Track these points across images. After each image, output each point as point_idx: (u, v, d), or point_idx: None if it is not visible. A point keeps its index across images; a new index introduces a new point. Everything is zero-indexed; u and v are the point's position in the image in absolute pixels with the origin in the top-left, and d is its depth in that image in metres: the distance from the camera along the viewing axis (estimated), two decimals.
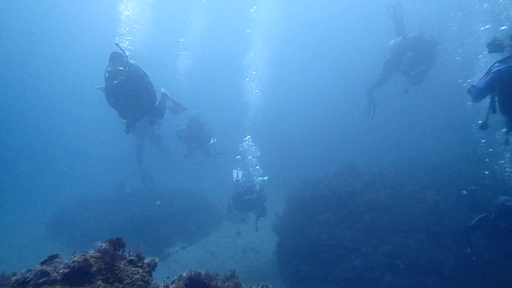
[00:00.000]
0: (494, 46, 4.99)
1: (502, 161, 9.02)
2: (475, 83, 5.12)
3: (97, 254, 2.11)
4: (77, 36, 29.04)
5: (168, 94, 8.10)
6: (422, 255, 6.96)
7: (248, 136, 11.78)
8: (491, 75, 4.68)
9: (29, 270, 1.98)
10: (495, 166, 9.32)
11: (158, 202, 12.21)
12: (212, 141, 11.48)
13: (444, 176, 9.81)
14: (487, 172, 8.31)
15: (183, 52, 18.56)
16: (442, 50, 8.30)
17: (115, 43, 6.66)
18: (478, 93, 4.96)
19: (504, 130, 5.13)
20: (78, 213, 13.10)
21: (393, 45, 9.13)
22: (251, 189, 8.46)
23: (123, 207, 13.01)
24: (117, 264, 2.10)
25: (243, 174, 9.64)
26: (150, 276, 2.27)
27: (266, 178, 9.96)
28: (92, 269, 2.03)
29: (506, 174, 8.44)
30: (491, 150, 9.26)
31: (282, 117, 22.24)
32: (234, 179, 9.55)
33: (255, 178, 9.44)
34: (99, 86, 7.05)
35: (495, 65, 4.74)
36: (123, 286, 2.08)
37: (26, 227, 13.47)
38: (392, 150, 12.65)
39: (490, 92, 4.78)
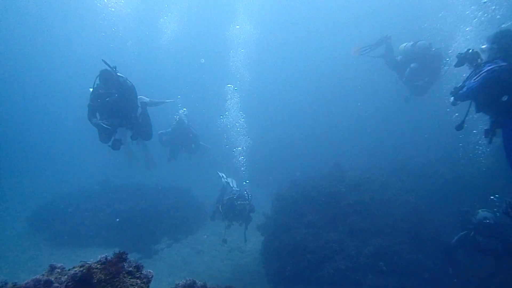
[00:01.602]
0: (462, 59, 5.17)
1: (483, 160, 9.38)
2: (459, 85, 5.12)
3: (99, 265, 2.15)
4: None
5: (147, 100, 8.06)
6: (403, 257, 7.20)
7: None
8: (483, 74, 4.65)
9: (32, 280, 2.01)
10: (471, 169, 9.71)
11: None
12: (200, 142, 11.53)
13: (425, 179, 10.17)
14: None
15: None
16: (446, 67, 8.24)
17: (103, 60, 6.58)
18: (468, 93, 4.89)
19: (485, 128, 5.13)
20: (61, 208, 12.90)
21: (403, 50, 8.99)
22: (243, 195, 8.43)
23: (108, 203, 12.89)
24: (118, 276, 2.15)
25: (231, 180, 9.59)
26: (148, 287, 2.32)
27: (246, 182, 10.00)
28: (94, 281, 2.07)
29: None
30: (470, 155, 9.59)
31: (273, 115, 22.36)
32: (223, 180, 9.54)
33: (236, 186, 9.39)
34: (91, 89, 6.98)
35: (486, 65, 4.73)
36: None
37: (6, 222, 13.17)
38: (377, 152, 12.93)
39: (481, 92, 4.72)
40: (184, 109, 11.86)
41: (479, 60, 5.01)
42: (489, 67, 4.63)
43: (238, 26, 17.55)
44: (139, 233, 11.30)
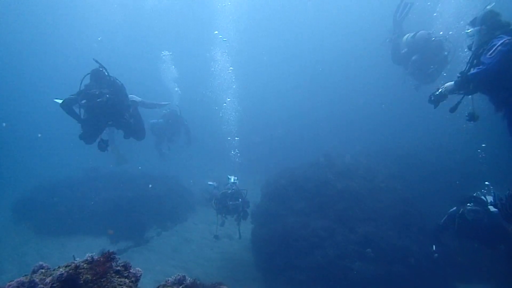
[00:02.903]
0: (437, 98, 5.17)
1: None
2: (465, 68, 4.91)
3: (86, 265, 2.07)
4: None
5: (138, 100, 7.96)
6: (390, 243, 7.34)
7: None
8: (498, 48, 4.41)
9: (16, 281, 1.93)
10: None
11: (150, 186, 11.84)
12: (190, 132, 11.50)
13: (412, 167, 10.32)
14: None
15: None
16: (449, 54, 7.91)
17: (94, 59, 6.51)
18: (488, 70, 4.51)
19: (469, 112, 5.11)
20: (47, 197, 12.64)
21: (405, 42, 8.72)
22: (236, 195, 8.30)
23: (95, 192, 12.69)
24: (105, 276, 2.08)
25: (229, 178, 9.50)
26: (136, 286, 2.26)
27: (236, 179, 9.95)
28: (80, 281, 2.00)
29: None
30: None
31: (263, 104, 22.23)
32: (211, 184, 9.47)
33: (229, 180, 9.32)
34: (58, 100, 6.79)
35: (493, 41, 4.54)
36: None
37: None
38: (366, 141, 13.02)
39: (502, 65, 4.43)
40: (177, 104, 11.79)
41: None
42: (500, 41, 4.46)
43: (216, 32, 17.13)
44: (127, 222, 11.20)
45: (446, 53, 7.84)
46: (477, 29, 4.90)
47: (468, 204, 6.13)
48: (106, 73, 6.60)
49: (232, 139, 11.92)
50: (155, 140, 11.63)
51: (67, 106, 6.49)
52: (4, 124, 22.56)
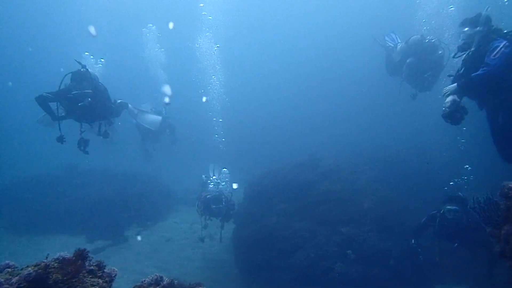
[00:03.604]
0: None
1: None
2: (460, 71, 4.93)
3: (56, 264, 1.95)
4: None
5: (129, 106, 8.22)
6: (371, 245, 7.39)
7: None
8: (502, 50, 4.48)
9: None
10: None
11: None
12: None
13: (394, 169, 10.44)
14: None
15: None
16: (444, 54, 7.76)
17: (76, 60, 6.29)
18: (493, 71, 4.54)
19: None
20: (20, 194, 12.15)
21: (399, 50, 8.63)
22: (220, 198, 8.10)
23: (73, 189, 12.32)
24: (77, 276, 1.96)
25: (215, 172, 9.35)
26: (111, 287, 2.15)
27: (235, 185, 9.81)
28: (49, 281, 1.88)
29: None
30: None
31: (248, 103, 22.12)
32: (203, 178, 9.32)
33: (222, 183, 9.18)
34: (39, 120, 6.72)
35: (495, 42, 4.60)
36: None
37: None
38: (349, 142, 13.11)
39: (506, 67, 4.52)
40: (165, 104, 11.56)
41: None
42: (502, 43, 4.54)
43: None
44: (105, 220, 10.91)
45: (440, 51, 7.76)
46: (479, 30, 4.86)
47: (449, 204, 6.21)
48: (89, 75, 6.33)
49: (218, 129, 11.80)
50: (141, 139, 11.41)
51: (42, 100, 6.28)
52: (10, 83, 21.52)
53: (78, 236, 10.42)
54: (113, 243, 10.08)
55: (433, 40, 7.86)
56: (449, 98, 4.96)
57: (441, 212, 6.35)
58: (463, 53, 5.21)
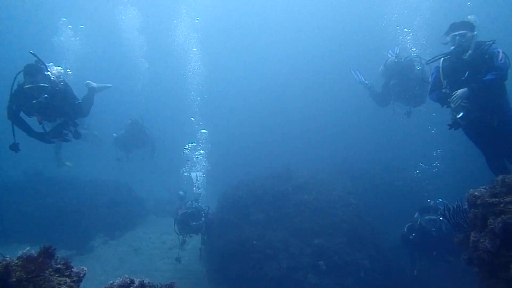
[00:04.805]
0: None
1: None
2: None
3: (20, 262, 1.82)
4: None
5: (94, 85, 7.38)
6: (342, 257, 7.45)
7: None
8: (503, 55, 4.71)
9: None
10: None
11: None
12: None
13: (365, 182, 10.70)
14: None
15: None
16: (423, 69, 7.73)
17: (31, 52, 5.68)
18: (503, 79, 4.75)
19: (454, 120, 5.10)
20: None
21: (381, 73, 8.63)
22: (198, 213, 7.92)
23: (36, 197, 11.65)
24: (42, 274, 1.84)
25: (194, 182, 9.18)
26: (78, 286, 2.03)
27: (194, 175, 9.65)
28: (11, 279, 1.75)
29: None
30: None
31: (223, 113, 22.07)
32: (181, 194, 9.12)
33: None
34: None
35: (491, 46, 4.81)
36: None
37: None
38: (323, 155, 13.31)
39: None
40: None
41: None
42: (498, 48, 4.76)
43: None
44: (70, 229, 10.39)
45: (418, 68, 7.82)
46: (475, 34, 4.94)
47: (425, 214, 6.35)
48: (44, 69, 5.71)
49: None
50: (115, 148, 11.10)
51: (14, 116, 5.70)
52: None
53: (39, 246, 9.82)
54: (78, 253, 9.61)
55: (408, 58, 8.00)
56: (458, 102, 4.89)
57: (418, 222, 6.48)
58: (442, 57, 5.27)
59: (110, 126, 11.59)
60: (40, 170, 13.58)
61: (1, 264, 1.86)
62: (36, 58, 5.70)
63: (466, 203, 3.45)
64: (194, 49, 15.49)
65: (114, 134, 10.87)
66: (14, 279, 1.74)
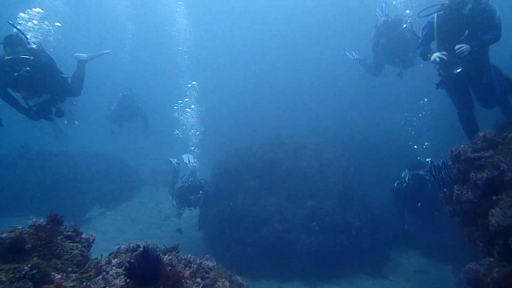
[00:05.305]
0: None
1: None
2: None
3: (31, 230, 1.92)
4: None
5: (85, 57, 6.89)
6: (334, 217, 7.79)
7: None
8: (499, 15, 4.66)
9: None
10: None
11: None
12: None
13: (355, 145, 10.94)
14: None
15: None
16: (411, 26, 7.62)
17: (9, 23, 5.36)
18: (499, 38, 4.69)
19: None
20: None
21: (372, 36, 8.50)
22: (196, 187, 7.98)
23: (29, 171, 11.63)
24: (54, 240, 1.96)
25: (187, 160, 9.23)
26: (89, 251, 2.16)
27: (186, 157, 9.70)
28: (27, 246, 1.86)
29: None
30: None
31: (215, 84, 21.76)
32: (174, 163, 9.16)
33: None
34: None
35: (487, 4, 4.67)
36: (61, 262, 1.96)
37: None
38: (314, 120, 13.44)
39: None
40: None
41: None
42: (496, 8, 4.74)
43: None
44: (66, 202, 10.50)
45: (404, 25, 7.71)
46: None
47: (413, 170, 6.58)
48: (25, 40, 5.36)
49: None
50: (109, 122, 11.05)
51: (3, 92, 5.50)
52: None
53: (36, 218, 9.98)
54: (76, 224, 9.75)
55: (396, 17, 7.90)
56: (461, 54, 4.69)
57: (406, 178, 6.71)
58: (436, 11, 5.04)
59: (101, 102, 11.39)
60: (28, 145, 13.42)
61: (14, 232, 1.97)
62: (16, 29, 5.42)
63: (450, 160, 3.63)
64: (180, 2, 15.03)
65: (106, 113, 11.01)
66: (30, 245, 1.86)
